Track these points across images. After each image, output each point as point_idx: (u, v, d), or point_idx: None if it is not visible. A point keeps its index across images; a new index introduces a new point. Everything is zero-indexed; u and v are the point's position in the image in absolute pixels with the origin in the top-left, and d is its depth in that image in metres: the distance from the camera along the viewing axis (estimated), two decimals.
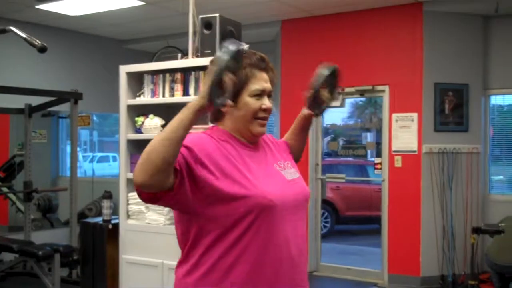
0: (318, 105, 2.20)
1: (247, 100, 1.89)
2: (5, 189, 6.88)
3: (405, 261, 6.28)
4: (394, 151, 6.44)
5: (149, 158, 1.62)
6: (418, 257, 6.21)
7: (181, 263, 1.90)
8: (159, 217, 4.29)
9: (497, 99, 6.81)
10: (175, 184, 1.69)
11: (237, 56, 1.69)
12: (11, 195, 6.94)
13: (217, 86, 1.65)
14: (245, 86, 1.88)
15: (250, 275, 1.78)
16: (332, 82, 2.20)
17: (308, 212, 6.07)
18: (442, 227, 6.22)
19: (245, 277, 1.78)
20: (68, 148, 8.87)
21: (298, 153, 2.29)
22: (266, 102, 1.92)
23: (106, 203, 4.68)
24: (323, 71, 2.17)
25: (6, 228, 8.01)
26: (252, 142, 1.97)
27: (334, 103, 2.20)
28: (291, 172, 2.01)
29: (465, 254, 6.15)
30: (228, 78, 1.68)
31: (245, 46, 1.92)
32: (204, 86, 1.66)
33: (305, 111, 2.21)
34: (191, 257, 1.85)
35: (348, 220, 10.39)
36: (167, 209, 4.24)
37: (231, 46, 1.67)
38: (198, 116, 1.67)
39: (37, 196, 7.55)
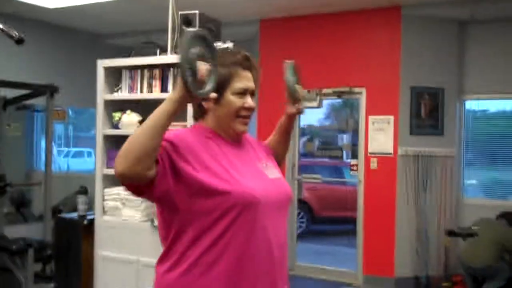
0: (295, 103, 2.19)
1: (230, 98, 1.89)
2: None
3: (380, 262, 6.33)
4: (370, 153, 6.49)
5: (130, 148, 1.63)
6: (392, 259, 6.26)
7: (162, 259, 1.89)
8: (135, 213, 4.27)
9: (471, 105, 6.91)
10: (157, 178, 1.69)
11: (201, 39, 1.68)
12: None
13: (192, 75, 1.62)
14: (228, 84, 1.89)
15: (231, 272, 1.78)
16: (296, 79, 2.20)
17: None
18: (417, 229, 6.29)
19: (226, 273, 1.78)
20: (43, 143, 8.78)
21: (281, 157, 2.28)
22: (249, 101, 1.93)
23: (81, 199, 4.65)
24: (287, 76, 2.16)
25: None
26: (235, 140, 1.97)
27: (309, 103, 2.22)
28: (273, 172, 2.01)
29: (439, 256, 6.22)
30: (203, 66, 1.66)
31: (230, 44, 1.93)
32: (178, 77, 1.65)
33: (288, 110, 2.21)
34: (172, 253, 1.84)
35: (323, 221, 10.44)
36: (143, 205, 4.22)
37: (192, 31, 1.66)
38: (180, 108, 1.67)
39: (10, 190, 7.45)
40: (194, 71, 1.63)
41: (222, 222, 1.77)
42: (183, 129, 1.94)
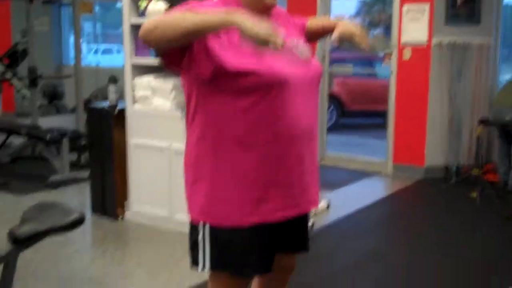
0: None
1: None
2: (9, 75, 6.85)
3: (410, 152, 6.32)
4: (403, 44, 6.31)
5: (161, 28, 1.60)
6: (423, 148, 6.24)
7: (188, 132, 1.88)
8: (165, 102, 4.28)
9: None
10: (184, 49, 1.66)
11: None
12: (16, 82, 6.91)
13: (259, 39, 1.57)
14: None
15: (260, 147, 1.78)
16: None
17: None
18: (449, 119, 6.21)
19: (255, 150, 1.77)
20: (71, 39, 8.77)
21: (311, 41, 2.19)
22: None
23: (111, 88, 4.65)
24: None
25: (13, 115, 8.08)
26: (264, 13, 1.89)
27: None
28: (304, 49, 1.95)
29: (470, 145, 6.18)
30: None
31: None
32: (253, 24, 1.56)
33: (335, 36, 1.96)
34: (197, 124, 1.82)
35: (353, 114, 10.40)
36: (173, 94, 4.22)
37: None
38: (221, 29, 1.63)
39: (42, 83, 7.54)
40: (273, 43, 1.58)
41: (249, 99, 1.74)
42: (214, 2, 1.86)
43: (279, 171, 1.81)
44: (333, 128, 9.30)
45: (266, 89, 1.73)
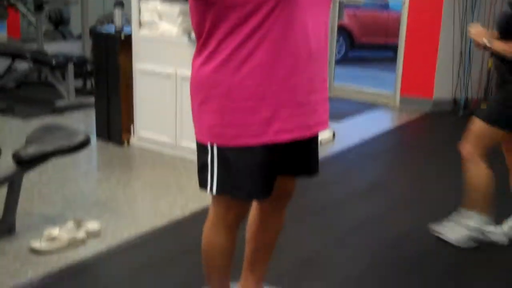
0: None
1: None
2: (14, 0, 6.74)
3: (419, 84, 6.25)
4: None
5: None
6: (432, 81, 6.16)
7: (197, 54, 1.84)
8: (172, 27, 4.21)
9: None
10: None
11: None
12: (21, 7, 6.80)
13: None
14: None
15: (268, 65, 1.73)
16: None
17: None
18: (460, 52, 6.10)
19: (263, 67, 1.73)
20: None
21: None
22: None
23: (117, 12, 4.56)
24: None
25: (18, 41, 8.00)
26: None
27: None
28: None
29: (480, 79, 6.10)
30: None
31: None
32: None
33: None
34: (207, 46, 1.78)
35: (363, 47, 10.22)
36: (180, 19, 4.15)
37: None
38: None
39: (48, 8, 7.43)
40: None
41: (258, 13, 1.68)
42: None
43: (287, 90, 1.78)
44: (342, 61, 9.17)
45: (275, 2, 1.66)
